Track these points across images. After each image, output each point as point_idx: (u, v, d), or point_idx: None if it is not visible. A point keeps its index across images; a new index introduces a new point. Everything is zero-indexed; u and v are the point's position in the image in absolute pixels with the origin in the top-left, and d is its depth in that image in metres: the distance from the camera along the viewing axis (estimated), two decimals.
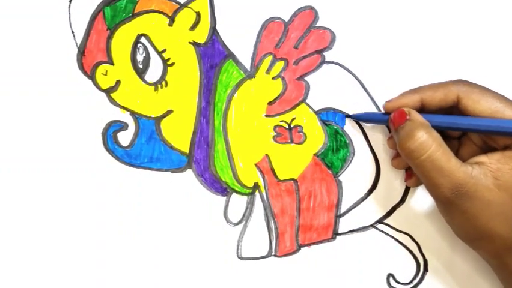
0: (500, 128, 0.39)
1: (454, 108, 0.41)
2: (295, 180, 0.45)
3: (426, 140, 0.39)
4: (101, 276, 0.45)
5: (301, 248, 0.45)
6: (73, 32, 0.45)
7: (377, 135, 0.45)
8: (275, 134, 0.45)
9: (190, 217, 0.45)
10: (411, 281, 0.45)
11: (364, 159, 0.45)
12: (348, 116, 0.45)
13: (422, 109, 0.42)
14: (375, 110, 0.45)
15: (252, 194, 0.45)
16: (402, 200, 0.45)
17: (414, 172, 0.41)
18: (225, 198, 0.45)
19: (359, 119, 0.45)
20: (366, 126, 0.45)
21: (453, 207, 0.39)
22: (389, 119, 0.42)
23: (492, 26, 0.45)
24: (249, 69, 0.45)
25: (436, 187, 0.39)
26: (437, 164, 0.38)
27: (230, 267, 0.45)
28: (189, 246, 0.45)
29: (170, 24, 0.45)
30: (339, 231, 0.45)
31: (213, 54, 0.45)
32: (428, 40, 0.45)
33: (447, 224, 0.41)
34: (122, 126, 0.45)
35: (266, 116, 0.45)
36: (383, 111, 0.45)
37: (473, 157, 0.40)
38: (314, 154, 0.45)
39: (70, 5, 0.45)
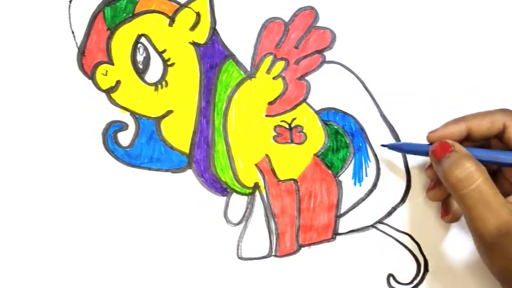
0: None
1: (494, 139, 0.41)
2: (295, 181, 0.45)
3: (475, 170, 0.37)
4: (101, 276, 0.45)
5: (302, 248, 0.45)
6: (73, 32, 0.45)
7: (377, 135, 0.45)
8: (275, 134, 0.45)
9: (190, 217, 0.45)
10: (412, 281, 0.45)
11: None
12: (384, 145, 0.44)
13: (467, 139, 0.41)
14: (375, 110, 0.45)
15: (252, 194, 0.45)
16: (403, 200, 0.45)
17: (450, 208, 0.41)
18: (225, 198, 0.45)
19: (395, 149, 0.44)
20: (367, 126, 0.45)
21: (495, 245, 0.37)
22: (430, 151, 0.40)
23: (491, 25, 0.45)
24: (249, 69, 0.45)
25: (481, 222, 0.37)
26: (484, 197, 0.37)
27: (230, 268, 0.45)
28: (189, 247, 0.45)
29: (171, 25, 0.45)
30: (339, 232, 0.45)
31: (213, 55, 0.45)
32: (428, 39, 0.45)
33: (484, 262, 0.39)
34: (122, 126, 0.45)
35: (266, 116, 0.45)
36: (383, 111, 0.45)
37: (510, 196, 0.39)
38: (314, 154, 0.45)
39: (70, 5, 0.45)
